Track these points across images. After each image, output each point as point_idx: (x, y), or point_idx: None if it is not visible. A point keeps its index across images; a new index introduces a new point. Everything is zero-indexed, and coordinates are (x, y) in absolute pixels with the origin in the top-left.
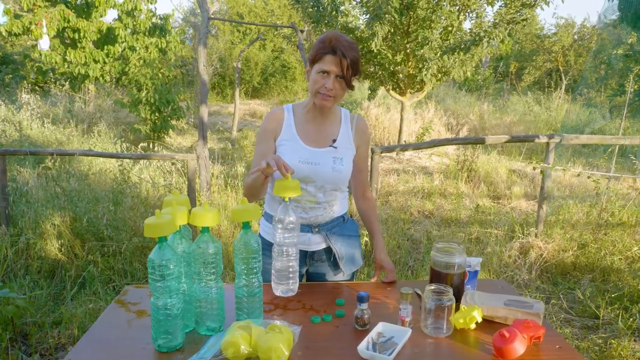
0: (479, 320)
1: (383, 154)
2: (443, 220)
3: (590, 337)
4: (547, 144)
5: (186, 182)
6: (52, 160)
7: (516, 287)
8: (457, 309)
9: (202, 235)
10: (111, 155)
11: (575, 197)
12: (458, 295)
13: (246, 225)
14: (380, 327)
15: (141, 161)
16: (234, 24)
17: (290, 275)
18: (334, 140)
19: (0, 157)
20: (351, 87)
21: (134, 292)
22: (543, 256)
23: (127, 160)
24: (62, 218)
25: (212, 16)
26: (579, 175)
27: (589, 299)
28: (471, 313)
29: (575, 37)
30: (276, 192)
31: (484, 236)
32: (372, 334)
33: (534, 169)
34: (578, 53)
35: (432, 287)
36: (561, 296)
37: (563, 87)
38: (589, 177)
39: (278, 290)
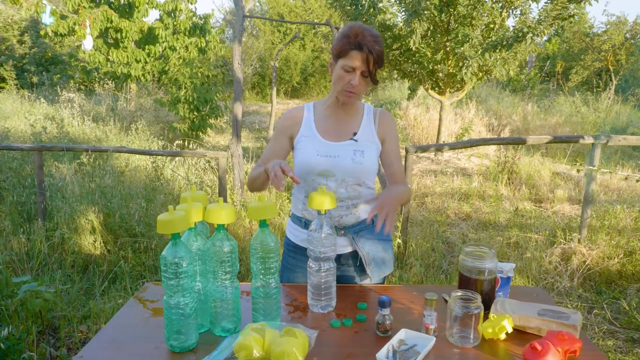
0: (510, 330)
1: (420, 155)
2: (481, 223)
3: (636, 350)
4: (593, 145)
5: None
6: (87, 157)
7: (556, 295)
8: (487, 317)
9: (217, 233)
10: (143, 152)
11: (623, 202)
12: (488, 302)
13: (263, 224)
14: (402, 334)
15: (176, 159)
16: (274, 23)
17: (327, 292)
18: (355, 134)
19: (38, 153)
20: (375, 83)
21: (153, 289)
22: (586, 263)
23: (160, 157)
24: (95, 214)
25: (247, 14)
26: (626, 178)
27: (635, 309)
28: (501, 322)
29: (627, 35)
30: (310, 204)
31: (523, 241)
32: (393, 341)
33: (578, 171)
34: (630, 52)
35: (459, 294)
36: (605, 306)
37: (613, 87)
38: (638, 181)
39: (317, 307)
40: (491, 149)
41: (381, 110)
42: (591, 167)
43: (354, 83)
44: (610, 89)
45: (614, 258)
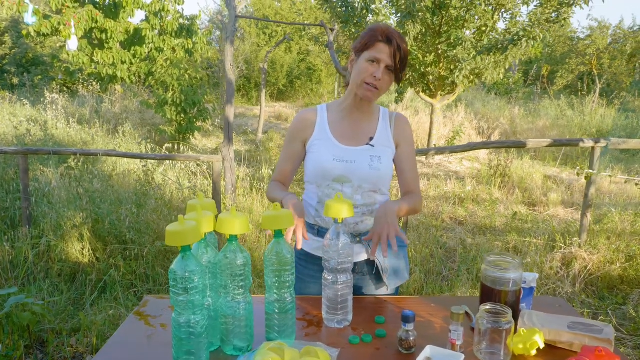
0: (541, 346)
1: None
2: (477, 228)
3: None
4: (593, 148)
5: (211, 185)
6: (75, 160)
7: None
8: (514, 330)
9: (229, 245)
10: (135, 156)
11: (616, 205)
12: (513, 315)
13: (278, 234)
14: (428, 351)
15: (165, 162)
16: (260, 26)
17: (343, 305)
18: (371, 138)
19: (23, 157)
20: (399, 82)
21: (154, 303)
22: (588, 268)
23: (151, 161)
24: (83, 220)
25: (240, 14)
26: (626, 182)
27: None
28: (532, 337)
29: (610, 39)
30: (327, 213)
31: (523, 245)
32: (420, 358)
33: (578, 174)
34: (613, 56)
35: (488, 307)
36: (609, 312)
37: (597, 91)
38: (637, 185)
39: (333, 322)
40: (482, 153)
41: (397, 113)
42: (592, 171)
43: (378, 75)
44: (595, 92)
45: (615, 263)
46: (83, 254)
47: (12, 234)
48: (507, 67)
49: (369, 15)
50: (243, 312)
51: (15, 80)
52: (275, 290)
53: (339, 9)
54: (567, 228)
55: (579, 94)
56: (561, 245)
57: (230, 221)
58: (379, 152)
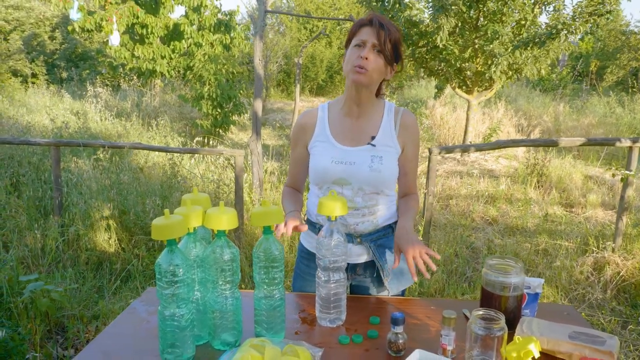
0: (537, 355)
1: (446, 155)
2: (507, 228)
3: None
4: (630, 148)
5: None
6: (104, 153)
7: (588, 308)
8: (511, 338)
9: (217, 240)
10: (159, 149)
11: None
12: (513, 321)
13: (267, 230)
14: (416, 355)
15: (195, 156)
16: (301, 21)
17: (336, 304)
18: (373, 138)
19: (55, 148)
20: (390, 64)
21: (155, 295)
22: (620, 274)
23: (177, 155)
24: (111, 210)
25: (270, 9)
26: None
27: None
28: (527, 346)
29: None
30: (320, 210)
31: (553, 248)
32: None
33: (614, 175)
34: None
35: (481, 312)
36: None
37: None
38: None
39: (325, 320)
40: (520, 150)
41: (404, 110)
42: (628, 172)
43: (363, 54)
44: None
45: None
46: (109, 243)
47: (43, 222)
48: (548, 62)
49: (404, 9)
50: (230, 307)
51: (64, 75)
52: (264, 287)
53: (374, 3)
54: (602, 231)
55: (630, 90)
56: (594, 249)
57: (217, 216)
58: (380, 152)
